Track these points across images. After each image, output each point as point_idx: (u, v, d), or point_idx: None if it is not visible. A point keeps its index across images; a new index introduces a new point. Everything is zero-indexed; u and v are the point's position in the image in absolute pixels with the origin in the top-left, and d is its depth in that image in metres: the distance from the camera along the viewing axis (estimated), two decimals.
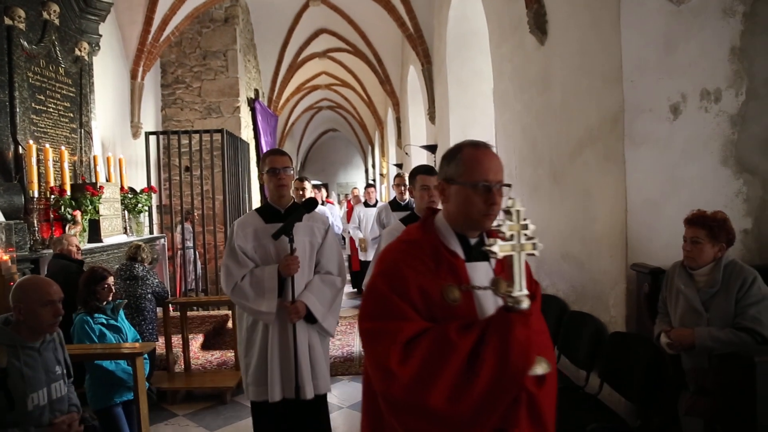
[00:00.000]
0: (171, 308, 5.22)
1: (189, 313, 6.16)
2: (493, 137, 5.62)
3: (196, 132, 7.29)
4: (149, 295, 4.59)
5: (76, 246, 4.61)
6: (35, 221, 5.26)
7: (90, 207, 5.61)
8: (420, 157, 9.65)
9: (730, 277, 2.59)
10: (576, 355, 3.46)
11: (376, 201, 8.31)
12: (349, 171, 26.73)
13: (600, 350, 3.22)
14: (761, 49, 3.22)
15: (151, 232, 7.33)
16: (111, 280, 3.72)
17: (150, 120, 8.59)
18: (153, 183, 7.31)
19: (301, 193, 5.64)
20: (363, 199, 8.57)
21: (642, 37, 3.19)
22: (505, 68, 5.15)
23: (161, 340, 5.08)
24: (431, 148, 8.25)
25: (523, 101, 4.71)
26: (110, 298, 3.74)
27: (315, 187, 7.82)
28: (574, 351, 3.50)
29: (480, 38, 6.08)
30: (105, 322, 3.67)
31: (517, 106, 4.86)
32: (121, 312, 3.85)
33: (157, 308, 4.90)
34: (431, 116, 8.34)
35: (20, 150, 5.37)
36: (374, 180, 19.58)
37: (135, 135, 7.97)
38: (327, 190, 23.54)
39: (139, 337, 3.96)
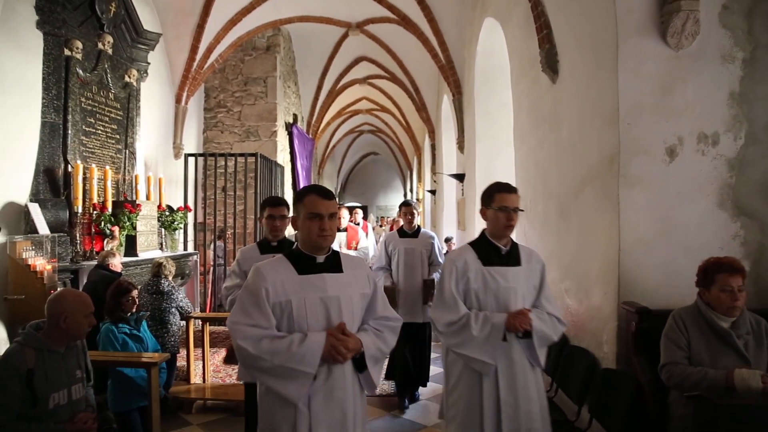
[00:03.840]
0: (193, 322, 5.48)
1: (214, 328, 6.44)
2: (513, 170, 5.73)
3: (232, 155, 7.68)
4: (173, 309, 4.88)
5: (118, 262, 4.99)
6: (77, 234, 5.69)
7: (128, 223, 6.01)
8: (451, 185, 9.80)
9: (756, 324, 2.64)
10: (570, 389, 3.51)
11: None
12: (389, 194, 27.05)
13: (591, 386, 3.28)
14: (761, 94, 3.27)
15: (185, 248, 7.73)
16: (135, 293, 4.03)
17: (192, 141, 9.09)
18: (190, 201, 7.73)
19: (340, 220, 6.11)
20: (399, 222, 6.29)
21: (639, 80, 3.29)
22: (523, 104, 5.29)
23: (183, 352, 5.37)
24: (459, 177, 8.39)
25: (537, 137, 4.83)
26: (134, 310, 4.04)
27: (350, 209, 7.88)
28: (569, 385, 3.55)
29: (505, 72, 6.22)
30: (128, 331, 3.97)
31: (532, 141, 4.98)
32: (144, 323, 4.15)
33: (182, 322, 5.21)
34: (460, 145, 8.50)
35: (69, 169, 5.84)
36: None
37: (176, 156, 8.45)
38: (366, 212, 23.91)
39: (159, 347, 4.24)
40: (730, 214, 3.24)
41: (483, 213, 2.78)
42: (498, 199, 2.69)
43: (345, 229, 6.70)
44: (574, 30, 3.97)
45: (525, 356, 2.65)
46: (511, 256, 2.72)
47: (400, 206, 5.62)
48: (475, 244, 2.77)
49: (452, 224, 10.24)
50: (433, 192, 12.41)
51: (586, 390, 3.33)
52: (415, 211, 5.26)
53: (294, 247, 2.29)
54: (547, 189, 4.59)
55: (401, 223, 5.42)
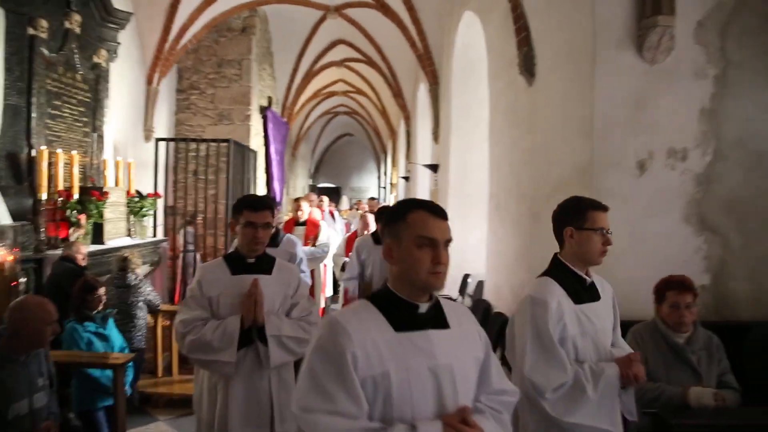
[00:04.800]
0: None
1: None
2: (488, 166, 5.77)
3: (204, 141, 7.53)
4: (140, 303, 4.80)
5: (83, 254, 4.86)
6: (42, 222, 5.52)
7: (95, 211, 5.86)
8: (425, 173, 9.81)
9: (709, 339, 2.73)
10: None
11: None
12: (363, 176, 26.98)
13: None
14: (731, 112, 3.34)
15: (154, 234, 7.59)
16: (102, 290, 3.96)
17: (163, 124, 8.88)
18: (161, 186, 7.57)
19: (299, 213, 6.03)
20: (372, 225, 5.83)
21: (614, 93, 3.33)
22: (500, 102, 5.30)
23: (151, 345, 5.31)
24: (434, 168, 8.41)
25: (512, 137, 4.85)
26: (100, 308, 3.97)
27: (320, 192, 7.83)
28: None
29: (483, 67, 6.20)
30: (94, 330, 3.90)
31: (507, 141, 5.00)
32: (111, 321, 4.08)
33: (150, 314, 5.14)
34: (435, 136, 8.50)
35: (33, 153, 5.64)
36: (385, 187, 19.77)
37: (147, 138, 8.25)
38: (339, 194, 23.81)
39: (126, 345, 4.18)
40: (695, 229, 3.33)
41: (568, 234, 2.25)
42: (592, 218, 2.24)
43: (304, 223, 6.17)
44: (553, 36, 3.97)
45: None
46: (594, 288, 2.30)
47: (376, 211, 5.26)
48: (557, 277, 2.24)
49: None
50: (406, 178, 12.41)
51: None
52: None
53: (382, 287, 1.62)
54: (520, 190, 4.63)
55: (369, 221, 5.24)
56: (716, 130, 3.33)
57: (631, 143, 3.32)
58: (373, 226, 5.63)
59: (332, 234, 6.68)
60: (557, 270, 2.27)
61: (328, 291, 7.34)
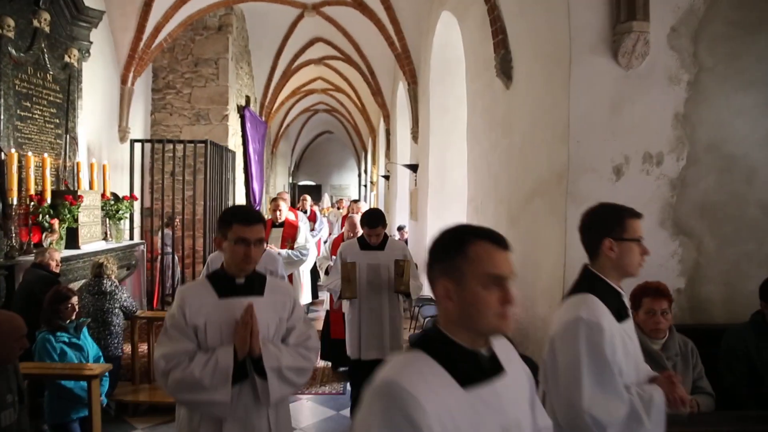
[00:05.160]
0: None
1: (160, 325, 6.29)
2: (465, 168, 5.77)
3: (181, 142, 7.42)
4: (117, 310, 4.72)
5: (56, 261, 4.75)
6: (12, 228, 5.38)
7: (68, 216, 5.73)
8: (405, 172, 9.80)
9: (684, 345, 2.76)
10: None
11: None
12: (344, 174, 26.90)
13: None
14: (704, 116, 3.38)
15: (131, 237, 7.47)
16: (75, 299, 3.87)
17: (139, 124, 8.72)
18: (137, 187, 7.45)
19: (277, 213, 5.78)
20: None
21: (589, 98, 3.34)
22: (477, 104, 5.30)
23: (128, 349, 5.22)
24: (413, 168, 8.40)
25: (490, 140, 4.86)
26: (73, 317, 3.88)
27: (300, 191, 7.65)
28: None
29: (461, 67, 6.20)
30: (67, 340, 3.82)
31: (485, 143, 5.01)
32: (85, 330, 4.00)
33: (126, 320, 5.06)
34: (414, 135, 8.48)
35: (2, 157, 5.50)
36: (365, 185, 19.71)
37: (122, 139, 8.09)
38: (320, 193, 23.69)
39: (101, 354, 4.10)
40: (670, 233, 3.37)
41: (607, 246, 2.03)
42: (632, 227, 2.06)
43: (282, 224, 5.86)
44: (529, 39, 3.98)
45: None
46: (625, 303, 2.12)
47: (362, 213, 4.73)
48: (599, 294, 2.00)
49: (405, 211, 10.27)
50: (387, 177, 12.39)
51: None
52: (378, 222, 4.20)
53: (433, 332, 1.39)
54: (498, 193, 4.64)
55: (356, 222, 4.86)
56: (690, 135, 3.37)
57: (607, 148, 3.34)
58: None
59: (309, 236, 6.38)
60: (595, 285, 2.04)
61: (307, 297, 6.99)
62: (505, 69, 4.33)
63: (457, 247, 1.34)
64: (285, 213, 5.97)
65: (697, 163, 3.37)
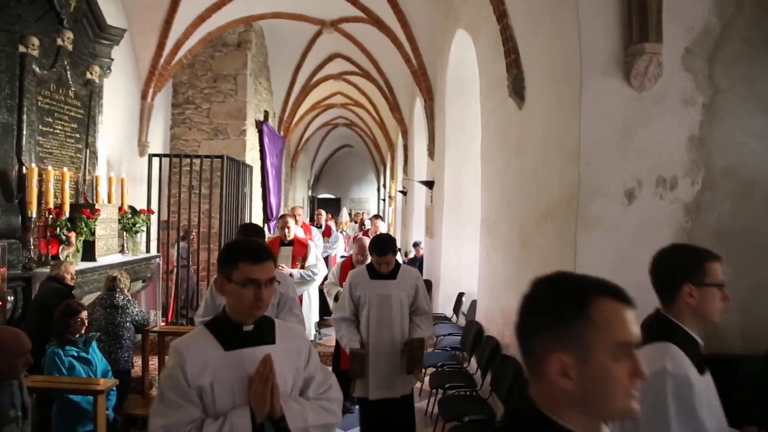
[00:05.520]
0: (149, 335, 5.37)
1: (171, 339, 6.33)
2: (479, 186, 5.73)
3: (198, 157, 7.51)
4: (128, 324, 4.75)
5: (71, 274, 4.82)
6: (31, 240, 5.49)
7: (85, 229, 5.82)
8: (422, 188, 9.77)
9: None
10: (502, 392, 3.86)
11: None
12: (363, 187, 26.99)
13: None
14: (720, 140, 3.29)
15: (147, 250, 7.55)
16: (84, 314, 3.92)
17: (158, 138, 8.87)
18: (155, 201, 7.55)
19: (286, 231, 5.61)
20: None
21: (601, 120, 3.28)
22: (491, 122, 5.27)
23: (139, 362, 5.26)
24: (429, 184, 8.37)
25: (503, 159, 4.81)
26: (83, 331, 3.92)
27: (319, 204, 7.49)
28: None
29: (476, 84, 6.18)
30: (76, 354, 3.86)
31: (498, 162, 4.96)
32: (94, 344, 4.04)
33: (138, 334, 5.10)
34: (431, 152, 8.47)
35: (23, 171, 5.62)
36: (384, 200, 19.72)
37: (141, 153, 8.24)
38: (339, 206, 23.76)
39: (109, 368, 4.13)
40: None
41: (686, 292, 1.88)
42: (712, 271, 1.89)
43: (291, 243, 5.62)
44: (541, 60, 3.94)
45: None
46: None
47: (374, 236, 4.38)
48: (678, 344, 1.84)
49: (422, 228, 10.23)
50: (404, 192, 12.38)
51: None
52: (388, 249, 3.81)
53: (533, 416, 1.10)
54: (510, 214, 4.58)
55: (366, 245, 4.60)
56: (705, 159, 3.28)
57: (619, 171, 3.27)
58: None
59: (320, 255, 6.20)
60: (673, 333, 1.88)
61: (315, 315, 6.52)
62: (517, 89, 4.29)
63: (576, 308, 1.07)
64: (294, 230, 5.82)
65: (712, 188, 3.28)
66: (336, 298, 4.91)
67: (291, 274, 5.22)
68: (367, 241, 4.91)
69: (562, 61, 3.53)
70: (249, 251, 1.94)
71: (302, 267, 5.57)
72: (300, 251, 5.59)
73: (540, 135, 3.96)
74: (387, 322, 3.78)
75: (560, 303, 1.07)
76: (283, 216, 5.88)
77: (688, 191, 3.28)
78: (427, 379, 5.05)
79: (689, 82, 3.28)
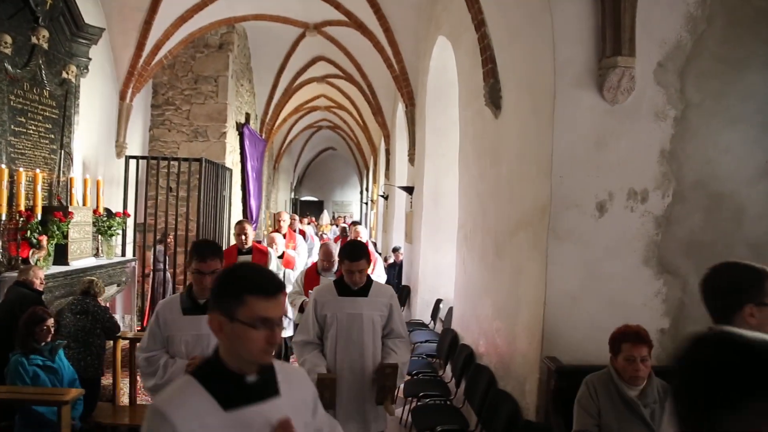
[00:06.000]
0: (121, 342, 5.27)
1: None
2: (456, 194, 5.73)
3: (176, 159, 7.43)
4: (98, 330, 4.66)
5: (40, 279, 4.71)
6: (0, 243, 5.37)
7: (57, 232, 5.71)
8: (402, 195, 9.76)
9: (663, 391, 2.67)
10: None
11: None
12: (346, 190, 26.96)
13: None
14: (691, 153, 3.32)
15: (123, 254, 7.44)
16: (51, 321, 3.83)
17: (137, 140, 8.75)
18: (131, 204, 7.44)
19: (243, 238, 5.21)
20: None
21: (573, 132, 3.29)
22: (469, 130, 5.27)
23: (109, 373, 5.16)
24: (409, 190, 8.36)
25: (479, 168, 4.81)
26: (49, 339, 3.83)
27: (302, 206, 7.10)
28: (492, 429, 3.57)
29: (457, 91, 6.19)
30: (41, 363, 3.77)
31: (474, 171, 4.96)
32: (60, 352, 3.95)
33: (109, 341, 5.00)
34: (411, 158, 8.46)
35: None
36: (366, 203, 19.69)
37: (119, 155, 8.11)
38: (321, 209, 23.64)
39: (77, 377, 4.04)
40: (654, 272, 3.29)
41: (747, 313, 1.91)
42: None
43: (249, 251, 5.26)
44: (517, 70, 3.95)
45: None
46: None
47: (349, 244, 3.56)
48: None
49: (402, 233, 10.22)
50: (385, 197, 12.36)
51: None
52: (361, 254, 3.30)
53: None
54: (485, 223, 4.58)
55: (332, 251, 4.38)
56: (676, 172, 3.31)
57: (591, 184, 3.28)
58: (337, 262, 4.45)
59: (281, 264, 5.65)
60: None
61: (290, 330, 5.59)
62: (494, 98, 4.29)
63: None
64: (251, 238, 5.38)
65: (683, 201, 3.31)
66: (301, 309, 4.53)
67: None
68: (334, 246, 4.69)
69: (537, 72, 3.54)
70: (260, 282, 1.53)
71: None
72: (259, 260, 5.09)
73: (515, 145, 3.96)
74: (357, 345, 3.24)
75: (748, 382, 0.90)
76: (240, 222, 5.41)
77: (659, 204, 3.30)
78: (402, 386, 5.01)
79: (661, 95, 3.30)
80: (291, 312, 4.89)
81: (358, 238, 6.25)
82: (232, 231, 6.26)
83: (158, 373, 2.79)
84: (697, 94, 3.32)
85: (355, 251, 3.31)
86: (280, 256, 5.52)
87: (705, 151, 3.33)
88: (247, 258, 5.06)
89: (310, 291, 4.14)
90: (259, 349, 1.50)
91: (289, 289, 4.98)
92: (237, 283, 1.53)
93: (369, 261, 3.44)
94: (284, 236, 6.22)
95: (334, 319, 3.27)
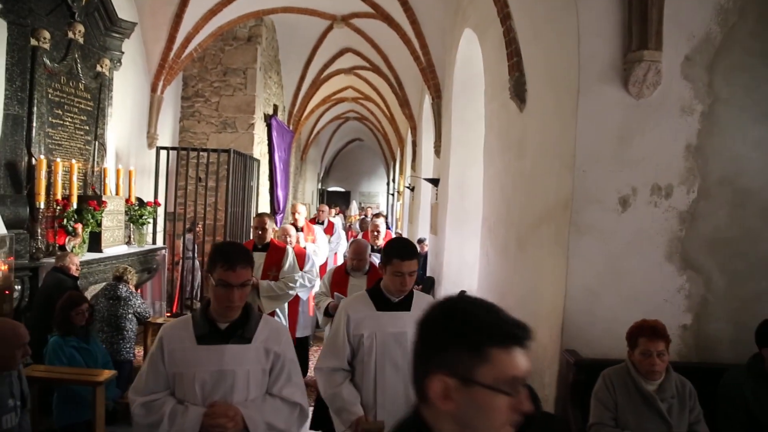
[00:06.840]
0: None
1: None
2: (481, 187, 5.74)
3: (205, 150, 7.59)
4: (130, 315, 4.84)
5: (76, 265, 4.91)
6: (39, 230, 5.59)
7: (91, 220, 5.92)
8: (428, 186, 9.77)
9: (681, 386, 2.68)
10: None
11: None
12: (373, 181, 27.02)
13: (530, 425, 3.32)
14: (718, 149, 3.28)
15: (154, 242, 7.65)
16: (86, 306, 4.00)
17: (167, 131, 8.96)
18: (161, 194, 7.64)
19: (260, 233, 4.75)
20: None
21: (597, 127, 3.28)
22: (494, 123, 5.27)
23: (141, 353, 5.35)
24: (434, 182, 8.38)
25: (504, 161, 4.81)
26: (84, 323, 4.01)
27: (329, 197, 7.03)
28: None
29: (482, 84, 6.17)
30: (77, 345, 3.94)
31: (499, 164, 4.97)
32: (94, 335, 4.12)
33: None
34: (437, 150, 8.47)
35: (33, 162, 5.72)
36: (393, 194, 19.73)
37: (150, 145, 8.33)
38: (348, 198, 23.77)
39: (110, 359, 4.22)
40: (677, 267, 3.27)
41: None
42: None
43: (266, 247, 4.81)
44: (542, 64, 3.94)
45: None
46: None
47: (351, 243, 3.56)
48: None
49: (428, 224, 10.23)
50: (411, 189, 12.40)
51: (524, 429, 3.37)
52: (414, 253, 2.79)
53: None
54: (509, 216, 4.59)
55: (364, 248, 3.92)
56: (702, 167, 3.27)
57: (614, 179, 3.27)
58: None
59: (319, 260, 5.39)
60: None
61: (305, 329, 5.44)
62: (518, 92, 4.29)
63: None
64: (270, 234, 4.84)
65: (708, 197, 3.27)
66: (327, 312, 4.03)
67: (257, 284, 4.48)
68: (365, 242, 4.23)
69: (562, 66, 3.53)
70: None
71: (275, 278, 4.61)
72: (275, 258, 4.64)
73: (539, 139, 3.96)
74: (402, 373, 2.62)
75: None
76: (261, 215, 4.89)
77: (684, 200, 3.27)
78: None
79: (688, 90, 3.26)
80: (318, 316, 4.48)
81: (376, 232, 5.91)
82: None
83: (162, 426, 2.06)
84: (726, 89, 3.26)
85: (406, 248, 2.78)
86: (264, 247, 4.81)
87: (732, 146, 3.28)
88: (262, 255, 4.64)
89: (336, 293, 3.88)
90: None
91: (297, 292, 4.78)
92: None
93: (419, 261, 2.98)
94: (301, 229, 5.98)
95: (373, 340, 2.69)
